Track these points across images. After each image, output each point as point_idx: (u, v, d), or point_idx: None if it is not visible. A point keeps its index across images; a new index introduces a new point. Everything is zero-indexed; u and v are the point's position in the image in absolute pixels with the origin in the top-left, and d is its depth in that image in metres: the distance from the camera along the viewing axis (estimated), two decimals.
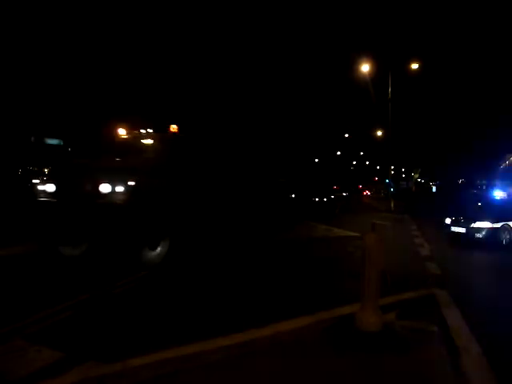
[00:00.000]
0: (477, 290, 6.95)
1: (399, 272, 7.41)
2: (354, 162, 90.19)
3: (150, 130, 9.15)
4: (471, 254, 10.82)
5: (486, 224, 11.53)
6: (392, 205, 26.56)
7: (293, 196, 18.56)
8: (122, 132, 8.98)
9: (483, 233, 11.46)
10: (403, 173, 77.21)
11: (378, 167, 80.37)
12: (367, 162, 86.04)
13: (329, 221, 17.96)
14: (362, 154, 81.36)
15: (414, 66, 25.84)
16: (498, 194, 15.53)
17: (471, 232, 11.68)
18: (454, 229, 12.31)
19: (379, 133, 46.16)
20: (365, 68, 26.19)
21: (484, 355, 3.90)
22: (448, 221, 12.77)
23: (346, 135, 63.71)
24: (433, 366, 3.90)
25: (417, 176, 63.06)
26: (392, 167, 34.90)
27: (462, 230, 11.99)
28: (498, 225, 11.50)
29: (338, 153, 79.63)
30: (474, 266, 9.81)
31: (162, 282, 6.81)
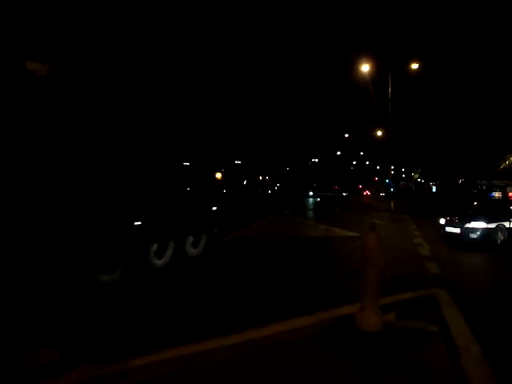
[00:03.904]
0: (477, 289, 6.93)
1: (399, 272, 7.41)
2: (354, 162, 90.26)
3: None
4: (471, 254, 10.79)
5: (481, 224, 11.33)
6: (392, 205, 26.55)
7: None
8: None
9: (478, 233, 11.25)
10: (403, 173, 77.22)
11: (378, 167, 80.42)
12: (367, 162, 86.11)
13: (329, 221, 17.98)
14: (362, 154, 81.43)
15: (414, 66, 25.79)
16: (494, 195, 15.48)
17: (466, 232, 11.47)
18: (449, 229, 12.07)
19: (379, 133, 46.13)
20: (365, 68, 26.15)
21: (484, 355, 3.91)
22: (442, 221, 12.50)
23: (346, 135, 63.79)
24: (433, 365, 3.89)
25: (417, 176, 63.15)
26: (392, 167, 34.85)
27: (457, 230, 11.77)
28: (493, 225, 11.32)
29: (338, 153, 79.70)
30: (474, 265, 9.80)
31: (162, 283, 6.82)
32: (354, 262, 7.44)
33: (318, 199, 50.11)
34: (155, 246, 7.39)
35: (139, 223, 6.85)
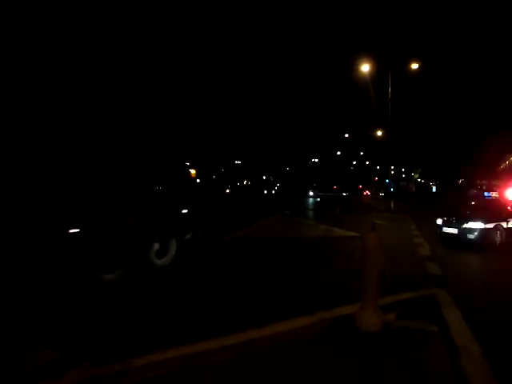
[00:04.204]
0: (477, 289, 6.93)
1: (399, 272, 7.41)
2: (354, 162, 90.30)
3: None
4: (471, 254, 10.77)
5: (479, 224, 11.18)
6: (392, 205, 26.56)
7: None
8: None
9: (475, 233, 11.11)
10: (403, 173, 77.20)
11: (378, 167, 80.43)
12: (367, 162, 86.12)
13: (329, 221, 17.98)
14: (362, 154, 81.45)
15: (414, 66, 25.80)
16: (490, 194, 15.40)
17: (463, 233, 11.34)
18: (446, 229, 11.92)
19: (379, 133, 46.10)
20: (365, 68, 26.16)
21: (484, 355, 3.91)
22: (439, 221, 12.31)
23: (346, 135, 63.85)
24: (433, 366, 3.89)
25: (417, 176, 63.14)
26: (392, 167, 34.82)
27: (454, 230, 11.62)
28: (491, 225, 11.19)
29: (338, 153, 79.73)
30: (474, 265, 9.79)
31: (162, 283, 6.81)
32: (354, 262, 7.43)
33: (318, 199, 50.11)
34: (105, 257, 6.20)
35: (76, 230, 5.63)
